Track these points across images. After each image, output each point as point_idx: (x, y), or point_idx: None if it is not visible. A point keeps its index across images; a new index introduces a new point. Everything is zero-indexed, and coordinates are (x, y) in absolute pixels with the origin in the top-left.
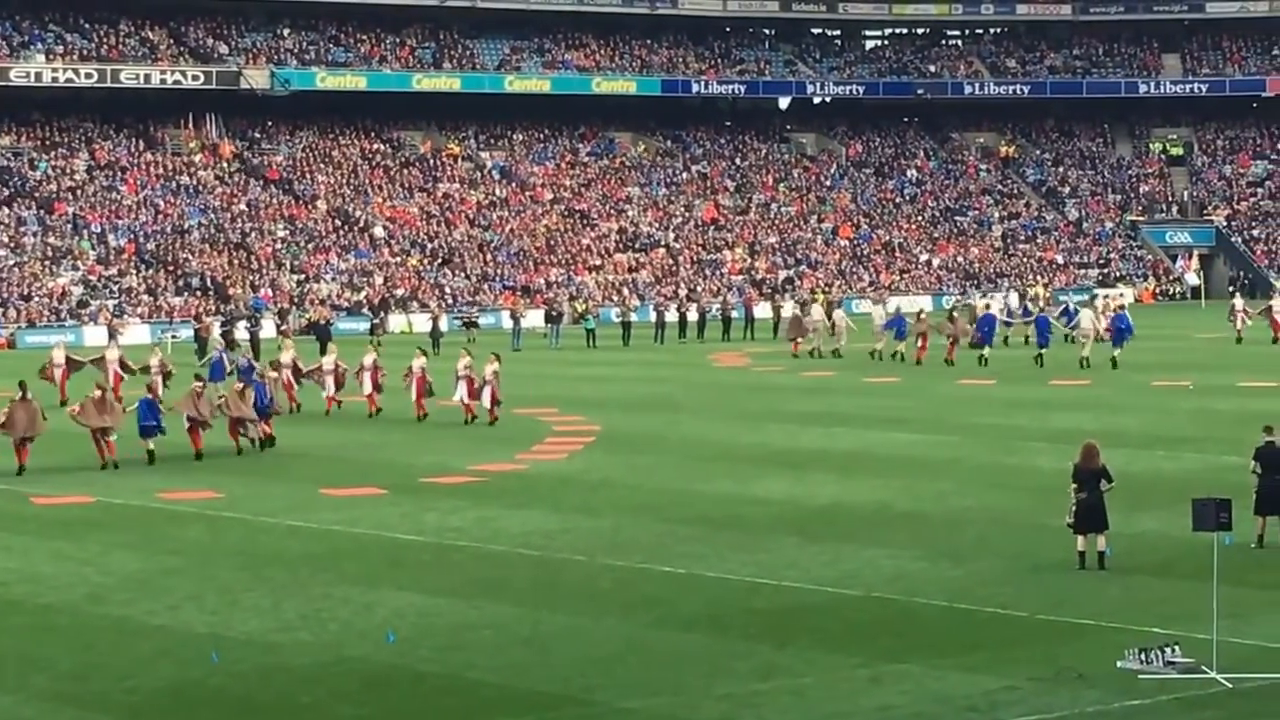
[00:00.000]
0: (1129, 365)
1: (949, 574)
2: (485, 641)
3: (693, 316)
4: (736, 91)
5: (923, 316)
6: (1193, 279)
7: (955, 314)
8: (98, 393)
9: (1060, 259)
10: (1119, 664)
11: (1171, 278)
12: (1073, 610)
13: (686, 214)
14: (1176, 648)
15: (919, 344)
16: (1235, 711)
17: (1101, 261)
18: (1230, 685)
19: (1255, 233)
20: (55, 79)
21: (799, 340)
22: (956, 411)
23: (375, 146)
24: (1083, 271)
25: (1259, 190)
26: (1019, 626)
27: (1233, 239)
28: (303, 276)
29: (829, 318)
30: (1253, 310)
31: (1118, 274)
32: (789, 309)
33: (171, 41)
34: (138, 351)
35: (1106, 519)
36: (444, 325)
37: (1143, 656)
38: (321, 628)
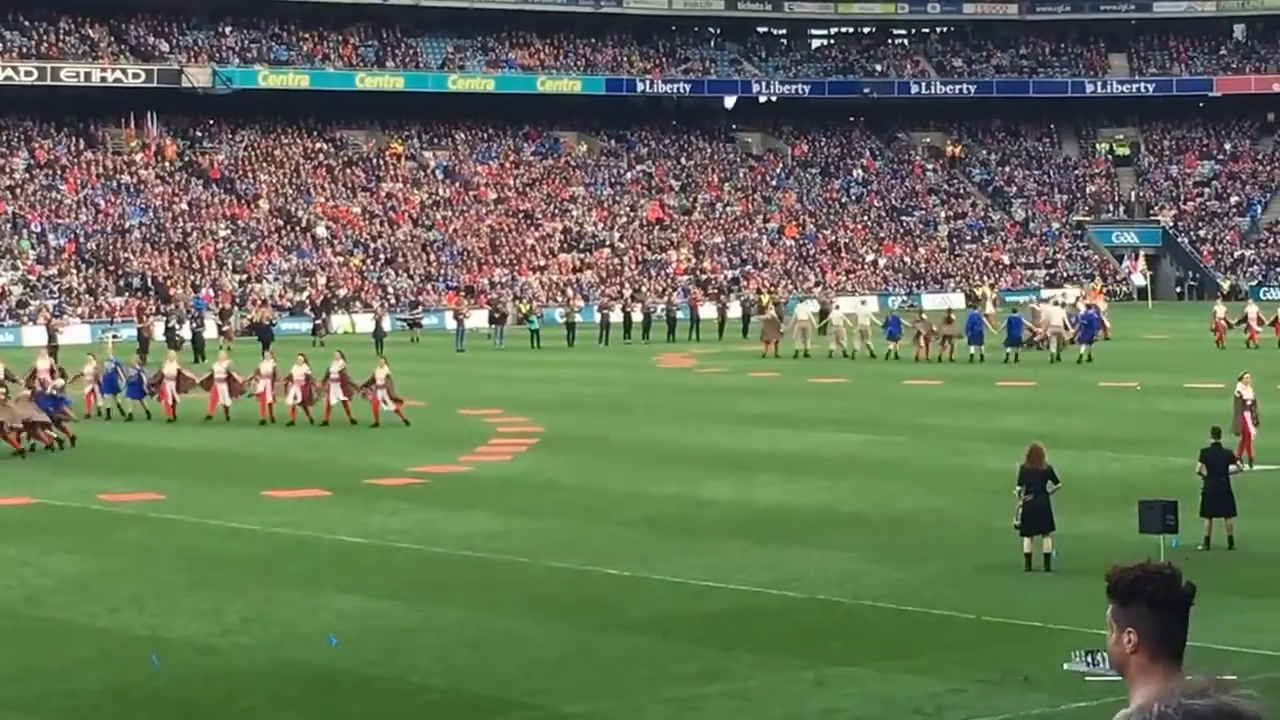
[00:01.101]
0: (1077, 366)
1: (895, 576)
2: (428, 645)
3: (637, 317)
4: (682, 90)
5: (924, 317)
6: (1139, 279)
7: (952, 315)
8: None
9: (1007, 259)
10: (1065, 666)
11: (1118, 278)
12: (1019, 612)
13: (631, 214)
14: None
15: (921, 345)
16: None
17: (1048, 262)
18: None
19: (1202, 233)
20: None
21: (774, 341)
22: (902, 413)
23: (318, 145)
24: (1029, 272)
25: (1205, 190)
26: (965, 629)
27: (1179, 239)
28: (244, 276)
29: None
30: (1234, 318)
31: (1065, 274)
32: (736, 308)
33: (112, 39)
34: (75, 353)
35: (1052, 521)
36: (387, 325)
37: (1089, 658)
38: (263, 631)
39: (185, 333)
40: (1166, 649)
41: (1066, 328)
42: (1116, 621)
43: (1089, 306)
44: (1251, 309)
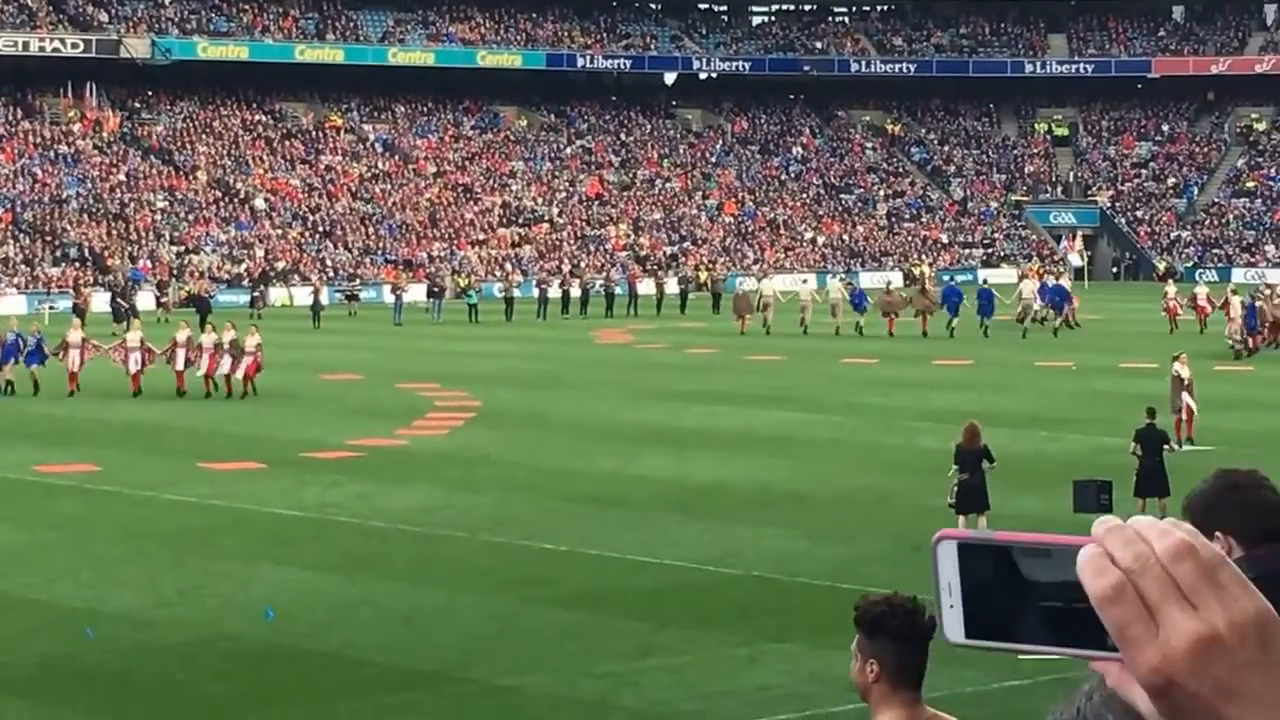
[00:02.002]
0: (1013, 344)
1: (831, 554)
2: (364, 618)
3: (576, 292)
4: (622, 66)
5: (892, 289)
6: (1076, 260)
7: (928, 286)
8: None
9: (945, 238)
10: None
11: (1055, 258)
12: None
13: (570, 189)
14: None
15: (890, 318)
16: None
17: (986, 241)
18: None
19: (1139, 214)
20: None
21: (746, 317)
22: (839, 391)
23: (257, 118)
24: (967, 251)
25: (1143, 172)
26: None
27: (1116, 220)
28: (182, 248)
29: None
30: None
31: (1002, 254)
32: (674, 284)
33: (50, 9)
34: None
35: (988, 499)
36: (325, 299)
37: None
38: (199, 604)
39: (138, 302)
40: (907, 680)
41: (1035, 299)
42: (861, 651)
43: (1057, 280)
44: (1201, 290)
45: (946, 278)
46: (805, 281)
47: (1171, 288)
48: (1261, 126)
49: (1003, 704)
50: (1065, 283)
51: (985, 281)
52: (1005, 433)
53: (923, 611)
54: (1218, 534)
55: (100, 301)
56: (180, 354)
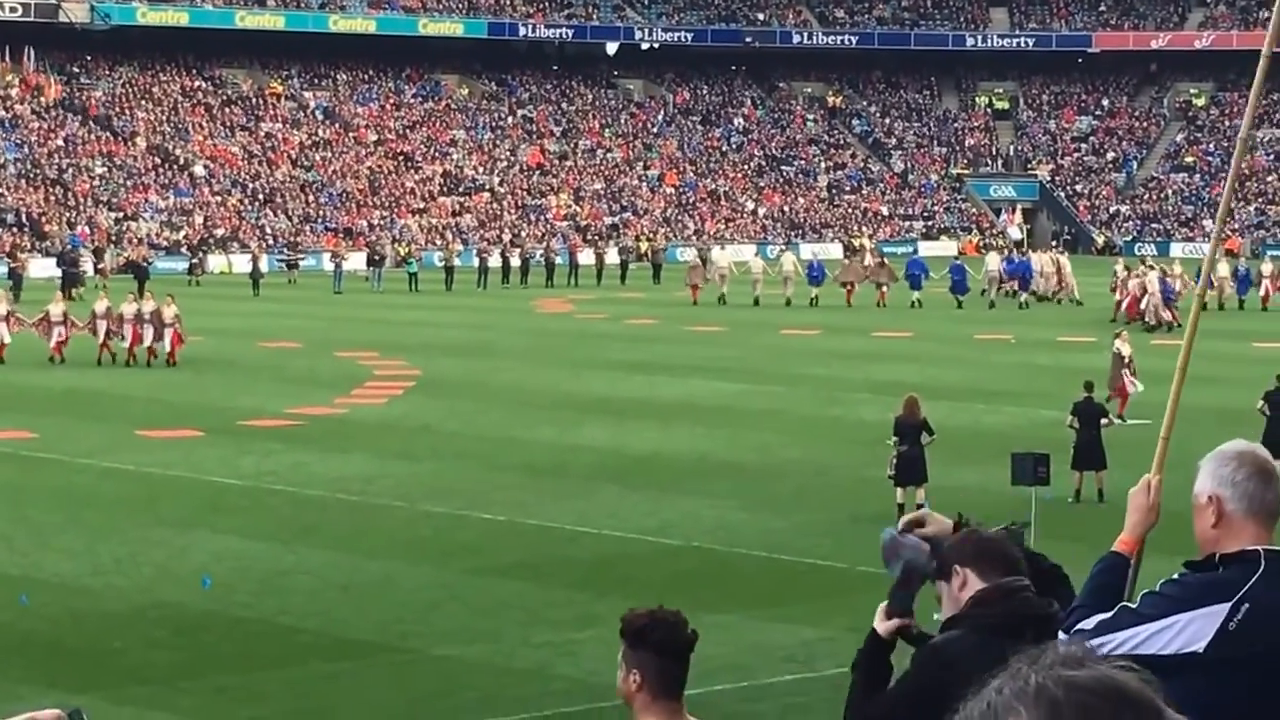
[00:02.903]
0: (953, 318)
1: (769, 525)
2: (301, 587)
3: (516, 262)
4: (564, 35)
5: (849, 262)
6: (1015, 233)
7: (885, 260)
8: None
9: (885, 210)
10: (936, 615)
11: (994, 231)
12: None
13: (511, 158)
14: None
15: (848, 289)
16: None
17: (926, 214)
18: None
19: (1078, 188)
20: None
21: (699, 286)
22: (779, 362)
23: (196, 84)
24: (907, 223)
25: (1083, 146)
26: (838, 578)
27: (1056, 194)
28: (121, 215)
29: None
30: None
31: (941, 226)
32: (614, 254)
33: None
34: None
35: (926, 472)
36: (264, 266)
37: None
38: (136, 571)
39: (86, 266)
40: (668, 689)
41: (1003, 278)
42: (625, 661)
43: (1023, 255)
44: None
45: (888, 250)
46: (758, 253)
47: (1122, 269)
48: (1200, 102)
49: None
50: (1033, 258)
51: (956, 257)
52: (944, 405)
53: (685, 625)
54: (955, 568)
55: (38, 268)
56: (101, 325)
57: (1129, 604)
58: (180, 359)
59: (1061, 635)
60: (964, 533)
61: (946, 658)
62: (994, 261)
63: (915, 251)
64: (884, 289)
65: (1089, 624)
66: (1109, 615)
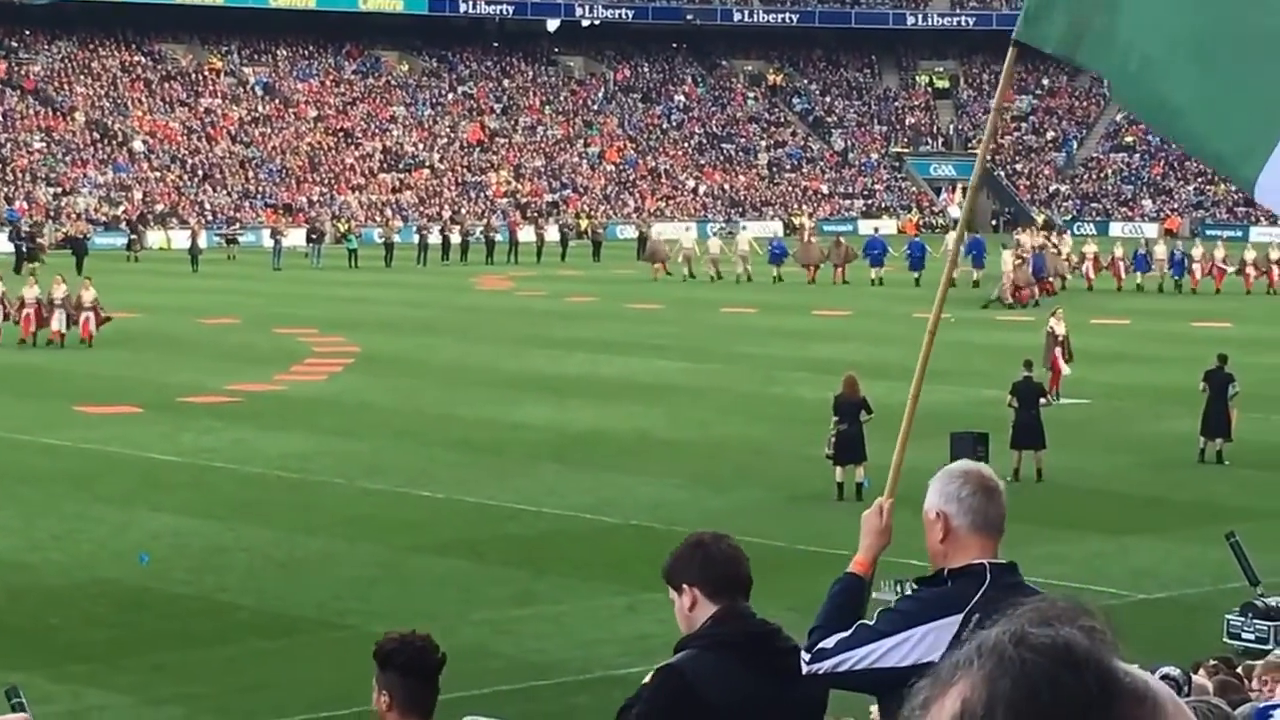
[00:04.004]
0: (892, 297)
1: (708, 503)
2: (239, 564)
3: (456, 239)
4: (505, 12)
5: (810, 242)
6: (955, 212)
7: (841, 239)
8: None
9: (825, 189)
10: (875, 595)
11: (935, 210)
12: (830, 541)
13: (451, 135)
14: None
15: (810, 269)
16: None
17: (866, 192)
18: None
19: (1018, 167)
20: None
21: (663, 264)
22: (719, 340)
23: (136, 59)
24: (848, 202)
25: (1023, 125)
26: (777, 556)
27: (996, 173)
28: (59, 190)
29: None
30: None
31: (882, 205)
32: (554, 231)
33: None
34: None
35: (865, 450)
36: (203, 242)
37: (899, 587)
38: (74, 548)
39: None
40: (416, 709)
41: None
42: (377, 682)
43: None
44: (1090, 248)
45: (829, 229)
46: (715, 233)
47: (1092, 246)
48: None
49: None
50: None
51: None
52: (883, 384)
53: (433, 649)
54: (684, 586)
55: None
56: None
57: (866, 621)
58: (119, 335)
59: (805, 655)
60: (691, 546)
61: (686, 677)
62: (952, 241)
63: (855, 230)
64: (840, 269)
65: (829, 643)
66: (848, 633)
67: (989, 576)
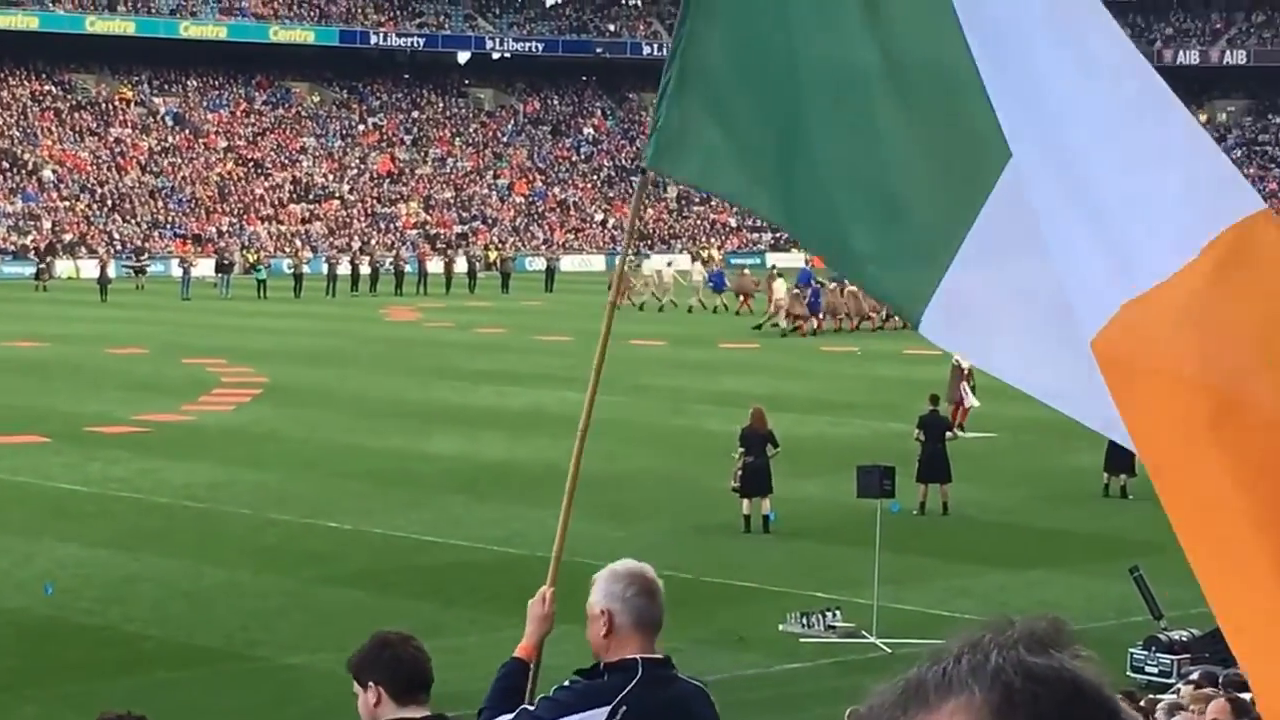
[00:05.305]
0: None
1: (613, 535)
2: (146, 594)
3: (366, 270)
4: (415, 44)
5: (745, 273)
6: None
7: (746, 271)
8: None
9: (733, 222)
10: (781, 627)
11: None
12: (736, 573)
13: (361, 166)
14: (838, 612)
15: (740, 299)
16: (894, 676)
17: (774, 226)
18: (890, 650)
19: None
20: None
21: (626, 292)
22: (626, 371)
23: (46, 88)
24: (755, 235)
25: None
26: (682, 588)
27: None
28: None
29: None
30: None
31: (789, 239)
32: (463, 262)
33: None
34: None
35: (771, 483)
36: (112, 272)
37: (804, 620)
38: None
39: None
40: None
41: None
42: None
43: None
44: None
45: (736, 261)
46: (670, 264)
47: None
48: None
49: (781, 686)
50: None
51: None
52: (790, 417)
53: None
54: (370, 684)
55: None
56: None
57: (528, 706)
58: (27, 364)
59: None
60: (378, 645)
61: None
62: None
63: (762, 263)
64: (746, 300)
65: None
66: (510, 716)
67: (640, 671)
